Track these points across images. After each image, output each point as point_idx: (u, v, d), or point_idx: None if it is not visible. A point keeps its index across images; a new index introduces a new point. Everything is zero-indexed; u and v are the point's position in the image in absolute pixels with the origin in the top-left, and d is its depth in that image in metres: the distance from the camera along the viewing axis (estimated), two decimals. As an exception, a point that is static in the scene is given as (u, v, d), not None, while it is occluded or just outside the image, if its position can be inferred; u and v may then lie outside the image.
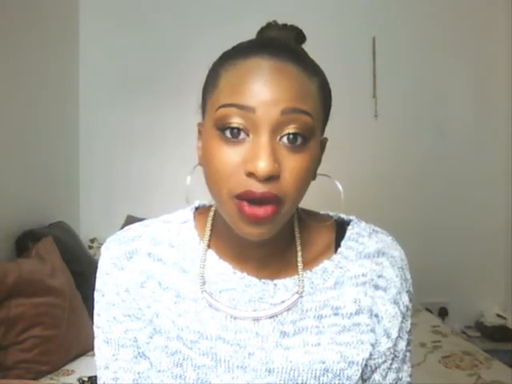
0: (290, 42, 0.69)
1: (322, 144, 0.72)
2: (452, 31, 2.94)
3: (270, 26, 0.72)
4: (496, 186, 2.94)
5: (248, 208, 0.61)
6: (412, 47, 2.93)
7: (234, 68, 0.64)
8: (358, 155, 2.87)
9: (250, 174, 0.60)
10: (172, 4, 2.87)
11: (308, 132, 0.63)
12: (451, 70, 2.94)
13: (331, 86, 0.71)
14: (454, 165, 2.94)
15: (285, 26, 0.72)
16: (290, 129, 0.62)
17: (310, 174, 0.64)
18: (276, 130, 0.62)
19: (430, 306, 2.78)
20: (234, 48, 0.69)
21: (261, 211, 0.61)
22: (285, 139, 0.62)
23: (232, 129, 0.62)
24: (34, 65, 2.38)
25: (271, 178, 0.60)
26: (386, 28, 2.90)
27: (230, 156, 0.62)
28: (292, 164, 0.62)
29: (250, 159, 0.60)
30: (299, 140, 0.62)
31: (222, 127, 0.62)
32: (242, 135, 0.62)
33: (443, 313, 2.91)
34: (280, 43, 0.67)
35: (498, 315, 2.88)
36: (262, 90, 0.61)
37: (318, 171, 0.72)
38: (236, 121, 0.61)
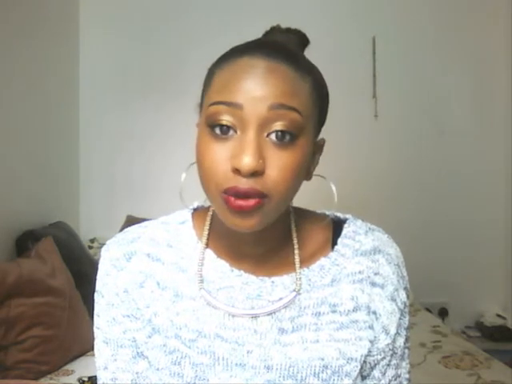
0: (285, 44, 0.69)
1: (319, 145, 0.72)
2: (452, 31, 2.94)
3: (274, 30, 0.73)
4: (496, 186, 2.93)
5: (233, 200, 0.62)
6: (412, 47, 2.92)
7: (226, 66, 0.65)
8: (358, 155, 2.87)
9: (236, 170, 0.61)
10: (173, 5, 2.87)
11: (296, 129, 0.63)
12: (451, 69, 2.94)
13: (331, 86, 0.70)
14: (453, 165, 2.94)
15: (288, 29, 0.73)
16: (278, 126, 0.62)
17: (298, 171, 0.64)
18: (263, 126, 0.62)
19: (429, 306, 2.78)
20: (230, 49, 0.69)
21: (245, 202, 0.62)
22: (273, 136, 0.62)
23: (221, 126, 0.63)
24: (35, 65, 2.39)
25: (255, 173, 0.61)
26: (385, 28, 2.90)
27: (219, 152, 0.63)
28: (278, 161, 0.62)
29: (236, 155, 0.61)
30: (287, 137, 0.63)
31: (212, 124, 0.63)
32: (231, 132, 0.63)
33: (443, 313, 2.91)
34: (274, 44, 0.67)
35: (498, 315, 2.88)
36: (251, 86, 0.62)
37: (316, 172, 0.72)
38: (225, 118, 0.62)
